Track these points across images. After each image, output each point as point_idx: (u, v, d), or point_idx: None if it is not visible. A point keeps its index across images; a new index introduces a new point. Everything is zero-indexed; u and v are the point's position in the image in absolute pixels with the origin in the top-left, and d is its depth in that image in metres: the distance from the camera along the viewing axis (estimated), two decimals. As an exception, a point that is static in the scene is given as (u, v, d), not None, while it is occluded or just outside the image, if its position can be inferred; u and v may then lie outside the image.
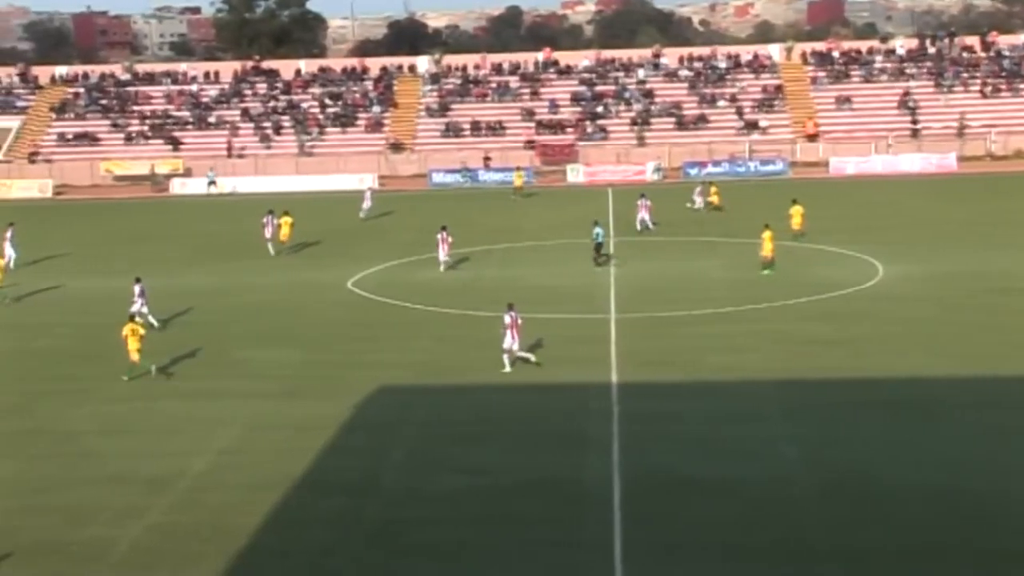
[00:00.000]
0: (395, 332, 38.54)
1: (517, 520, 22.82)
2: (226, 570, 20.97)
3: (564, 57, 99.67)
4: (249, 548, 21.82)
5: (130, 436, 28.54)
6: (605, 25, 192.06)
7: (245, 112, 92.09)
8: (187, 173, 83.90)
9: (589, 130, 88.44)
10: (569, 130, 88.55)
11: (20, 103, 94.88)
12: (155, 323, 38.61)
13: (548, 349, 35.42)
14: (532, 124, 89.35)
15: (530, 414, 29.34)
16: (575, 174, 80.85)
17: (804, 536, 21.80)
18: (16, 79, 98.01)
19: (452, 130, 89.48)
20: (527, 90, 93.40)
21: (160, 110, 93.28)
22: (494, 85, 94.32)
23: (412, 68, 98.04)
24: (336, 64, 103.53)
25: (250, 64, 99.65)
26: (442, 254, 48.59)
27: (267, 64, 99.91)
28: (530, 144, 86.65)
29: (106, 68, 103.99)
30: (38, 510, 23.98)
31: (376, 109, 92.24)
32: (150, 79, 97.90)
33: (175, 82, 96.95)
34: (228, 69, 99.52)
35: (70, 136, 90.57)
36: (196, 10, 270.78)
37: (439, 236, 48.76)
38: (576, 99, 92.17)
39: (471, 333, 37.89)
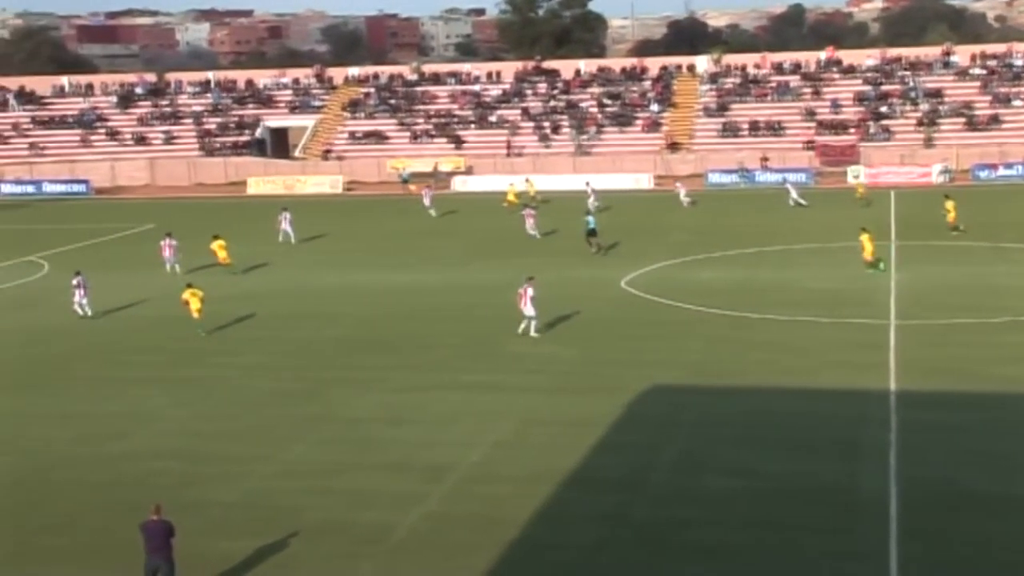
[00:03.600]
0: (668, 331, 38.55)
1: (787, 526, 22.50)
2: (497, 561, 21.46)
3: (848, 56, 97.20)
4: (519, 541, 22.28)
5: (410, 425, 29.51)
6: (892, 22, 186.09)
7: (525, 111, 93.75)
8: (469, 171, 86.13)
9: (872, 131, 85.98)
10: (851, 130, 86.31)
11: (316, 103, 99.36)
12: (89, 313, 42.50)
13: (824, 353, 34.77)
14: (812, 124, 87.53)
15: (804, 419, 28.83)
16: (857, 176, 78.72)
17: (1094, 560, 20.71)
18: (313, 80, 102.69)
19: (730, 130, 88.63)
20: (808, 89, 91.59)
21: (444, 109, 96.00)
22: (774, 84, 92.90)
23: (691, 68, 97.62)
24: (615, 64, 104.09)
25: (531, 64, 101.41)
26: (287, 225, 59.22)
27: (547, 64, 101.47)
28: (810, 144, 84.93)
29: (395, 69, 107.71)
30: (323, 492, 25.13)
31: (654, 108, 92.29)
32: (436, 79, 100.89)
33: (459, 82, 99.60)
34: (510, 69, 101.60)
35: (360, 134, 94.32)
36: (481, 11, 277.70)
37: (280, 216, 59.57)
38: (860, 99, 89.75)
39: (744, 335, 37.54)
